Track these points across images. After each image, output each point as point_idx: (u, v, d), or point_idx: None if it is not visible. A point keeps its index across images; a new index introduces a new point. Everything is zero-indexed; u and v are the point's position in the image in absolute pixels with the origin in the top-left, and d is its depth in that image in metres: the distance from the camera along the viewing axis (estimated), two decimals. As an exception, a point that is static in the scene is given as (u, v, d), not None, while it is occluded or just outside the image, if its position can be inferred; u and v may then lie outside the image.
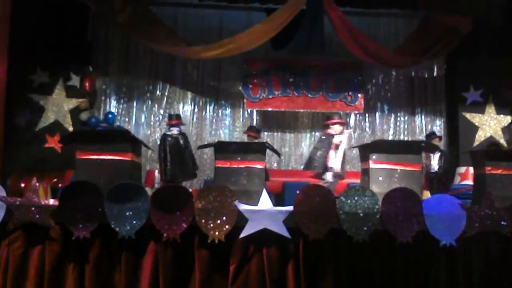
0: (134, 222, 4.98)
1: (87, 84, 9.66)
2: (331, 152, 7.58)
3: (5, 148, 7.04)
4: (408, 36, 10.01)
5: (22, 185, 6.95)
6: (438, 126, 10.69)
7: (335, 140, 7.65)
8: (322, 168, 7.56)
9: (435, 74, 10.90)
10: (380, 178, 6.01)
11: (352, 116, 10.75)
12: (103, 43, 10.42)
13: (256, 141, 7.87)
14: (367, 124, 10.80)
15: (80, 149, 6.02)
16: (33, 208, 4.93)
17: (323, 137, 7.87)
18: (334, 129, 7.80)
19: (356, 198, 5.15)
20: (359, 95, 10.39)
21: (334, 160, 7.58)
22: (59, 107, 9.64)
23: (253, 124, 10.14)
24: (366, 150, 6.42)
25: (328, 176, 7.56)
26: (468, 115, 10.10)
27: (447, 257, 5.19)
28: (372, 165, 6.15)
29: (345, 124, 8.87)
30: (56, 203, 4.98)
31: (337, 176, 7.67)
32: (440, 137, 9.37)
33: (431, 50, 9.62)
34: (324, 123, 8.54)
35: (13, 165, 7.35)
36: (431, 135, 9.34)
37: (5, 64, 7.05)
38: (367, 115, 10.77)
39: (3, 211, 4.94)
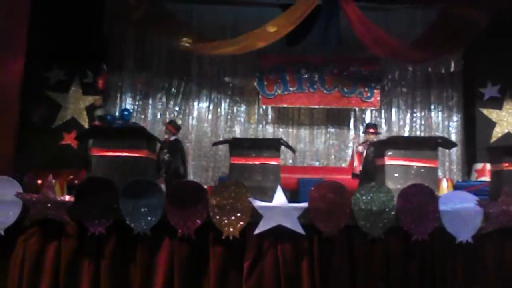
0: (149, 218, 4.99)
1: (100, 81, 9.72)
2: None
3: (21, 145, 7.10)
4: (425, 31, 9.90)
5: (39, 182, 7.00)
6: (455, 122, 10.59)
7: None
8: None
9: (452, 69, 10.79)
10: (396, 175, 5.96)
11: (368, 112, 10.68)
12: (119, 40, 10.46)
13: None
14: (383, 120, 10.72)
15: (95, 146, 6.06)
16: (49, 204, 4.97)
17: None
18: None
19: (371, 194, 5.12)
20: (375, 91, 10.32)
21: None
22: (75, 104, 9.71)
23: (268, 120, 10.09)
24: (382, 147, 6.37)
25: None
26: (485, 111, 9.97)
27: (463, 254, 5.13)
28: (387, 161, 6.10)
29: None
30: (72, 199, 5.01)
31: None
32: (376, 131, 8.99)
33: (448, 44, 9.50)
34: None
35: (29, 162, 7.41)
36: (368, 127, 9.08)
37: (22, 61, 7.10)
38: (383, 111, 10.70)
39: (19, 208, 4.98)
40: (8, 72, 6.90)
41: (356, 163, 8.52)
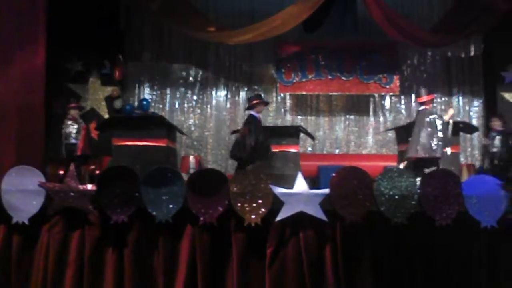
0: (171, 206, 5.02)
1: (117, 72, 9.75)
2: None
3: (47, 136, 7.20)
4: (444, 14, 9.75)
5: (61, 172, 7.08)
6: (476, 107, 10.44)
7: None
8: None
9: (472, 53, 10.62)
10: (417, 160, 5.92)
11: (387, 98, 10.58)
12: (136, 31, 10.47)
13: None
14: (403, 106, 10.60)
15: (116, 136, 6.10)
16: (71, 194, 5.02)
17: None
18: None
19: (393, 180, 5.08)
20: (394, 76, 10.20)
21: None
22: (94, 95, 9.76)
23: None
24: (402, 133, 6.34)
25: None
26: (506, 95, 9.81)
27: (488, 239, 5.08)
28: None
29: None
30: (94, 188, 5.05)
31: None
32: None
33: (468, 28, 9.35)
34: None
35: (52, 152, 7.50)
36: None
37: (44, 53, 7.16)
38: (402, 97, 10.57)
39: (42, 197, 5.04)
40: (32, 65, 6.97)
41: None
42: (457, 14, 9.43)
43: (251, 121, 6.65)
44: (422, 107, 6.28)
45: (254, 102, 6.83)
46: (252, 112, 6.80)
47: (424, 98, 6.31)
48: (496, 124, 7.77)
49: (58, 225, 5.06)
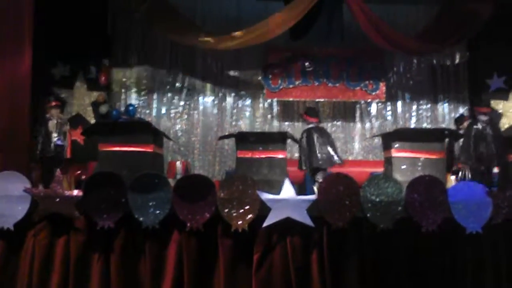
0: (158, 212, 5.01)
1: (103, 77, 9.72)
2: None
3: (31, 141, 7.15)
4: (429, 23, 9.85)
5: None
6: (461, 113, 10.54)
7: None
8: None
9: (457, 61, 10.73)
10: (403, 167, 5.97)
11: (374, 104, 10.64)
12: (123, 36, 10.43)
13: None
14: (389, 112, 10.67)
15: (102, 141, 6.07)
16: (57, 199, 4.99)
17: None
18: None
19: (379, 186, 5.12)
20: (380, 83, 10.27)
21: None
22: (80, 100, 9.70)
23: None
24: (388, 139, 6.37)
25: None
26: (492, 102, 9.91)
27: (473, 245, 5.12)
28: (394, 153, 6.11)
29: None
30: (80, 194, 5.02)
31: None
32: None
33: (452, 36, 9.44)
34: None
35: (38, 155, 7.46)
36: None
37: (30, 58, 7.13)
38: (388, 103, 10.64)
39: (28, 203, 5.01)
40: (18, 69, 6.93)
41: None
42: (441, 22, 9.53)
43: None
44: None
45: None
46: None
47: None
48: None
49: (43, 231, 5.03)
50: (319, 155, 6.72)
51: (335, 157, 6.77)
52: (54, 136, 7.07)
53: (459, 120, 9.12)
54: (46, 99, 8.00)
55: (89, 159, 7.93)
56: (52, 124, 7.14)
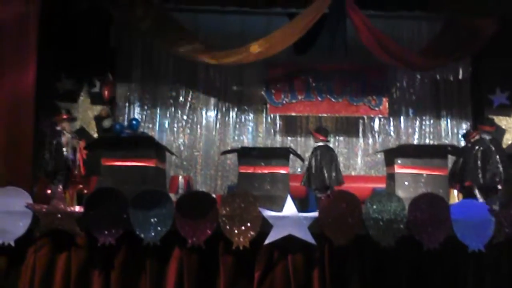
0: (159, 228, 5.00)
1: (106, 92, 9.74)
2: None
3: (35, 155, 7.16)
4: (432, 38, 9.87)
5: (48, 191, 7.02)
6: (464, 129, 10.51)
7: None
8: None
9: (460, 76, 10.72)
10: (406, 183, 5.95)
11: (377, 120, 10.63)
12: (126, 50, 10.47)
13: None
14: (391, 128, 10.66)
15: (105, 156, 6.07)
16: (59, 215, 4.99)
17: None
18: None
19: (382, 203, 5.10)
20: (384, 99, 10.27)
21: None
22: (84, 114, 9.72)
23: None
24: (391, 155, 6.36)
25: None
26: (495, 118, 9.90)
27: (475, 263, 5.09)
28: (397, 170, 6.09)
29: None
30: (82, 210, 5.01)
31: None
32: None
33: (456, 52, 9.45)
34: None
35: (40, 172, 7.45)
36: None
37: (34, 72, 7.16)
38: (391, 119, 10.63)
39: (29, 218, 5.00)
40: (22, 82, 6.96)
41: None
42: (445, 38, 9.55)
43: None
44: None
45: None
46: None
47: None
48: None
49: (44, 247, 5.02)
50: (326, 174, 6.69)
51: (340, 177, 6.76)
52: (64, 150, 7.02)
53: (467, 135, 9.05)
54: (56, 111, 7.97)
55: (91, 174, 7.92)
56: (65, 138, 7.06)
